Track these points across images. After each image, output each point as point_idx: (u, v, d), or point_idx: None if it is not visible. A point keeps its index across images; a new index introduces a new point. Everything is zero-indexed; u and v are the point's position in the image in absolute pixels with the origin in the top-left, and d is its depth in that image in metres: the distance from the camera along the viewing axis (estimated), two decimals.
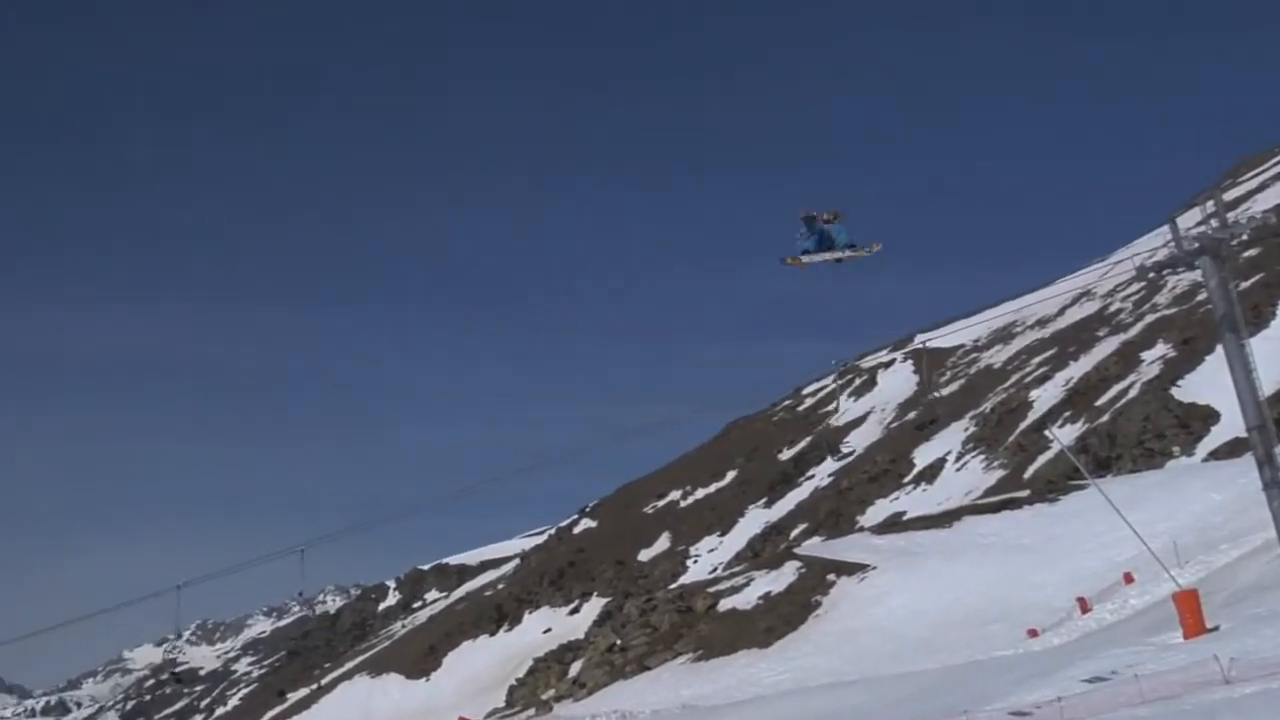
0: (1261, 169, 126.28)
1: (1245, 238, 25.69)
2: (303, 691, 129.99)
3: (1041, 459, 72.74)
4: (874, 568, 49.56)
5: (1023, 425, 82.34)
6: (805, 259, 27.15)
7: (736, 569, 67.82)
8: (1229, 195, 79.34)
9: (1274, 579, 27.13)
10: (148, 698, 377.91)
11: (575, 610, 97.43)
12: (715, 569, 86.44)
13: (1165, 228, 27.89)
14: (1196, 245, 25.35)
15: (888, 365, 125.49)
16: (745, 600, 53.19)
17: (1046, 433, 66.13)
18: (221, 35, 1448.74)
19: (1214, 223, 25.44)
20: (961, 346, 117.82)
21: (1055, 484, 60.22)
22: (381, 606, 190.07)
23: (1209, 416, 66.25)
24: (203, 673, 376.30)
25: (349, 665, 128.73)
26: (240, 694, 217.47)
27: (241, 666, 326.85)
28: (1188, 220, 30.43)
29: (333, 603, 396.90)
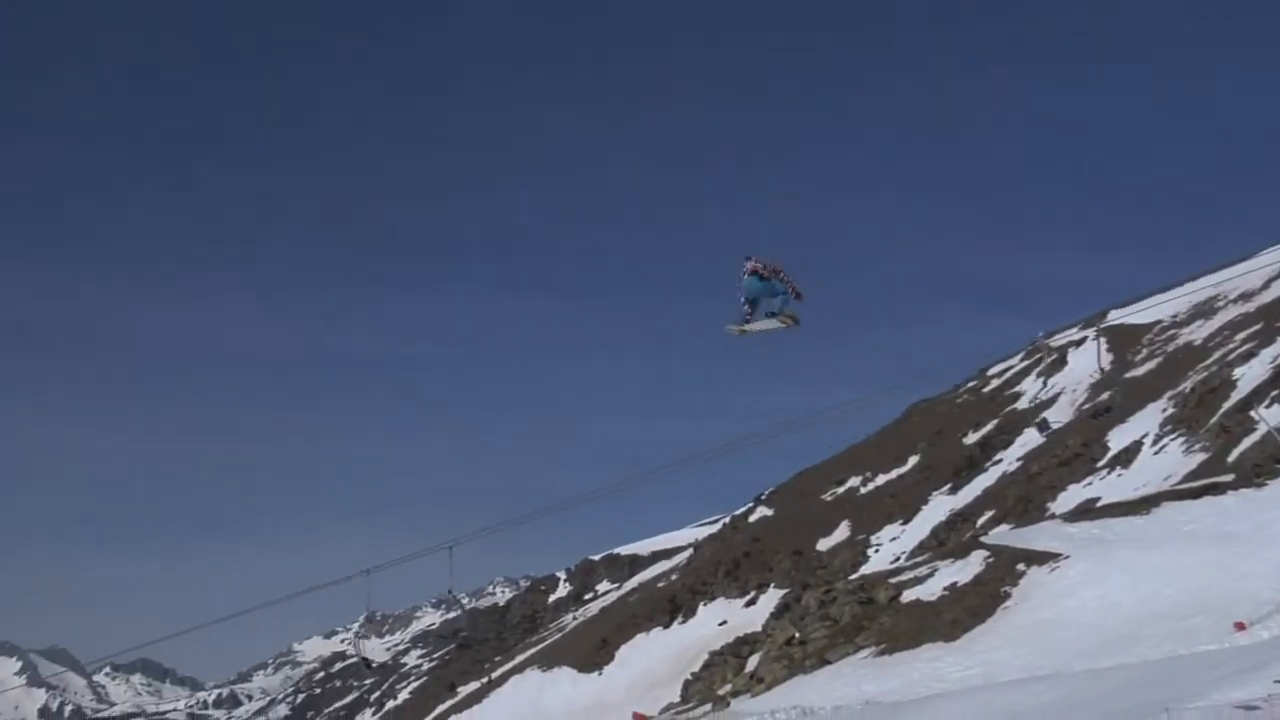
0: None
1: None
2: (473, 685, 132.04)
3: (1247, 441, 70.48)
4: (1066, 557, 48.57)
5: (1225, 406, 79.92)
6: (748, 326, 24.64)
7: (920, 559, 67.12)
8: None
9: None
10: (318, 690, 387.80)
11: (751, 602, 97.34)
12: (897, 559, 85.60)
13: None
14: None
15: (1079, 344, 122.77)
16: (929, 591, 52.61)
17: (1252, 413, 64.10)
18: None
19: None
20: (1159, 323, 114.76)
21: (1262, 467, 58.46)
22: (552, 598, 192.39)
23: None
24: (373, 665, 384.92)
25: (519, 658, 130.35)
26: (410, 687, 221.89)
27: (411, 659, 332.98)
28: None
29: (502, 594, 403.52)
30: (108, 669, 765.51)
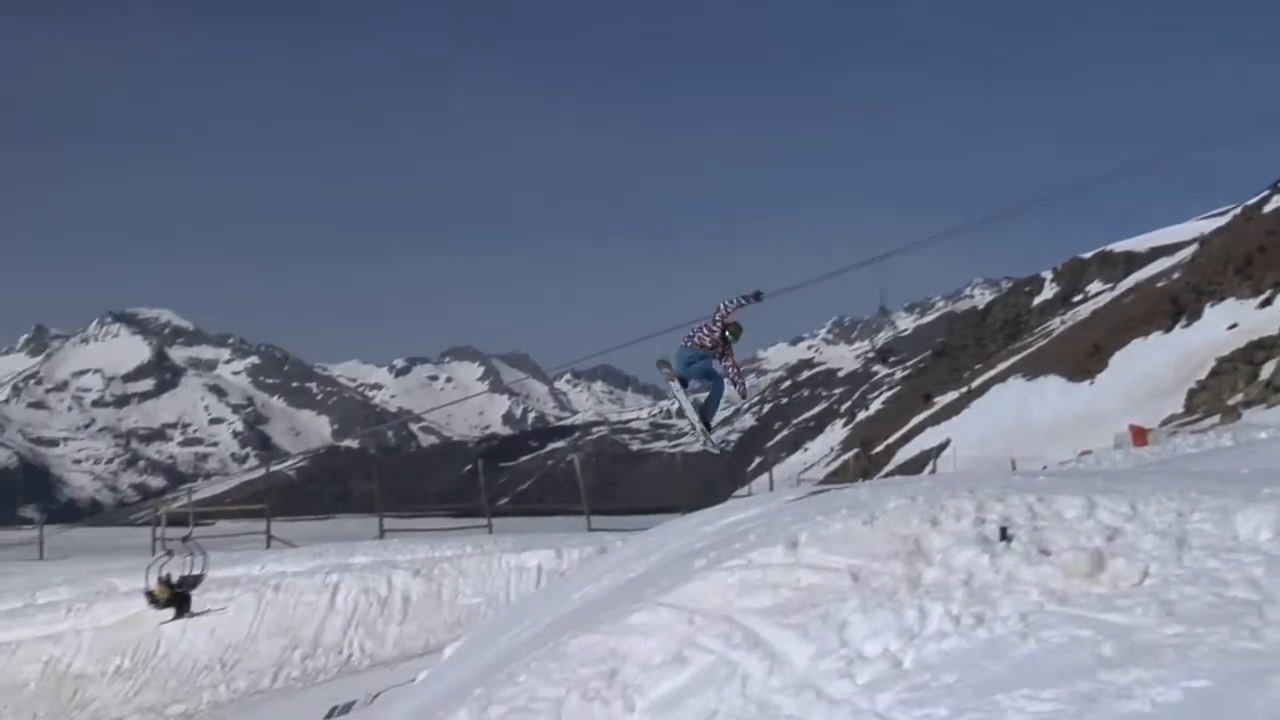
0: None
1: None
2: (950, 395, 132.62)
3: None
4: None
5: None
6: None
7: None
8: None
9: None
10: (784, 400, 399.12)
11: (1267, 302, 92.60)
12: None
13: None
14: None
15: None
16: None
17: None
18: None
19: None
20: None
21: None
22: (1036, 300, 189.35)
23: None
24: (841, 374, 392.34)
25: (1001, 366, 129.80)
26: (882, 397, 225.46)
27: (883, 368, 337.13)
28: None
29: (981, 297, 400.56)
30: (569, 376, 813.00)
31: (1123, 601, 8.36)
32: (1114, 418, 76.57)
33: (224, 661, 28.43)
